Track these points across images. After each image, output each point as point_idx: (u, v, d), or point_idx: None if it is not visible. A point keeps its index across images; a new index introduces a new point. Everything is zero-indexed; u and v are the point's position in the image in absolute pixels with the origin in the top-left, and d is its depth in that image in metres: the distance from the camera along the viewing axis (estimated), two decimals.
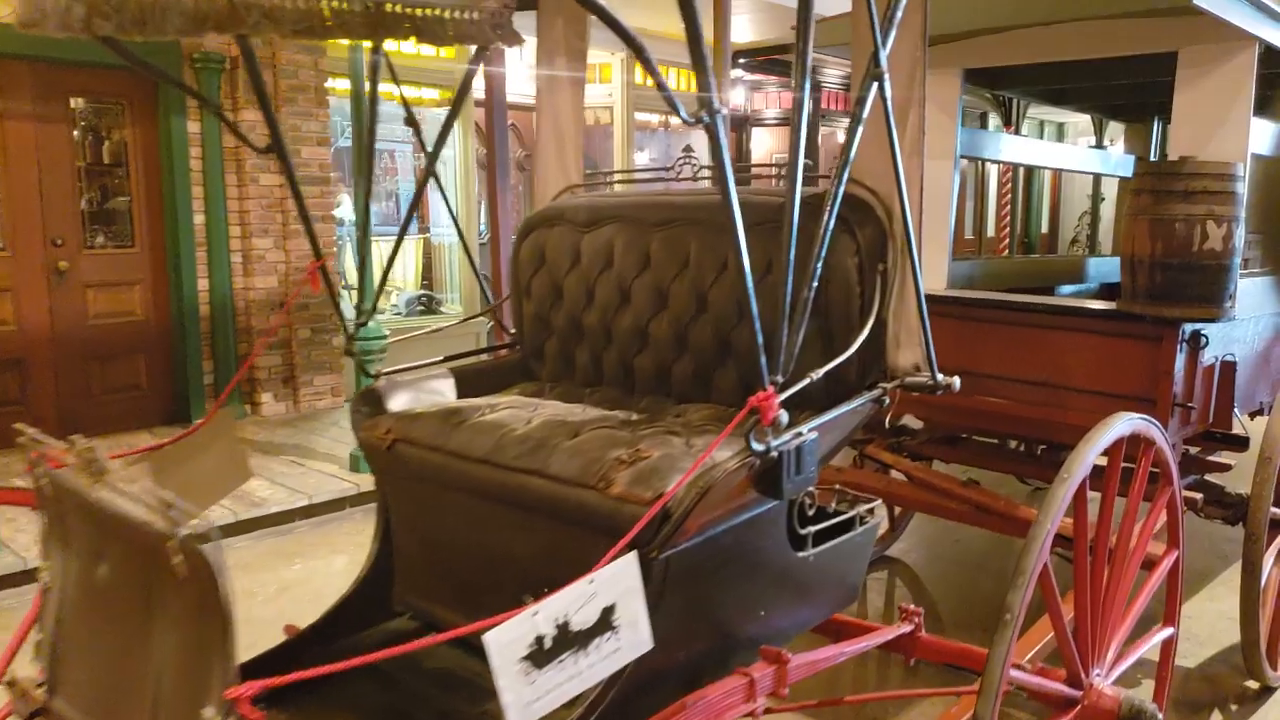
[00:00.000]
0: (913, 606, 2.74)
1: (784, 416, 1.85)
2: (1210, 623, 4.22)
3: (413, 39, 2.82)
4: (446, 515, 2.35)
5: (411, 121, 2.75)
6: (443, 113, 9.61)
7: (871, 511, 2.60)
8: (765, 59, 11.46)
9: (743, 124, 12.38)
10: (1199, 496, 3.84)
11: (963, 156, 4.59)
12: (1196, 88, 3.57)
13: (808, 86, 1.81)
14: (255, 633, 2.16)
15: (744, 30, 10.38)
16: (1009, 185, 11.47)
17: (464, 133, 9.11)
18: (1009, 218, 10.56)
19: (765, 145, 12.54)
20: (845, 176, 1.99)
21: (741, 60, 11.11)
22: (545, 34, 2.91)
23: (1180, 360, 3.50)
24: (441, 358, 2.83)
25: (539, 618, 1.60)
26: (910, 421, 4.65)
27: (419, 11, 2.76)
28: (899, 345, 2.32)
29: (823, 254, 1.95)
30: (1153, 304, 3.44)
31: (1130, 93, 5.30)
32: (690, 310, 2.55)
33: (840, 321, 2.28)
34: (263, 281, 7.28)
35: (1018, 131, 6.14)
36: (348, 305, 6.87)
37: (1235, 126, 3.49)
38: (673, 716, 1.98)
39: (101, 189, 6.86)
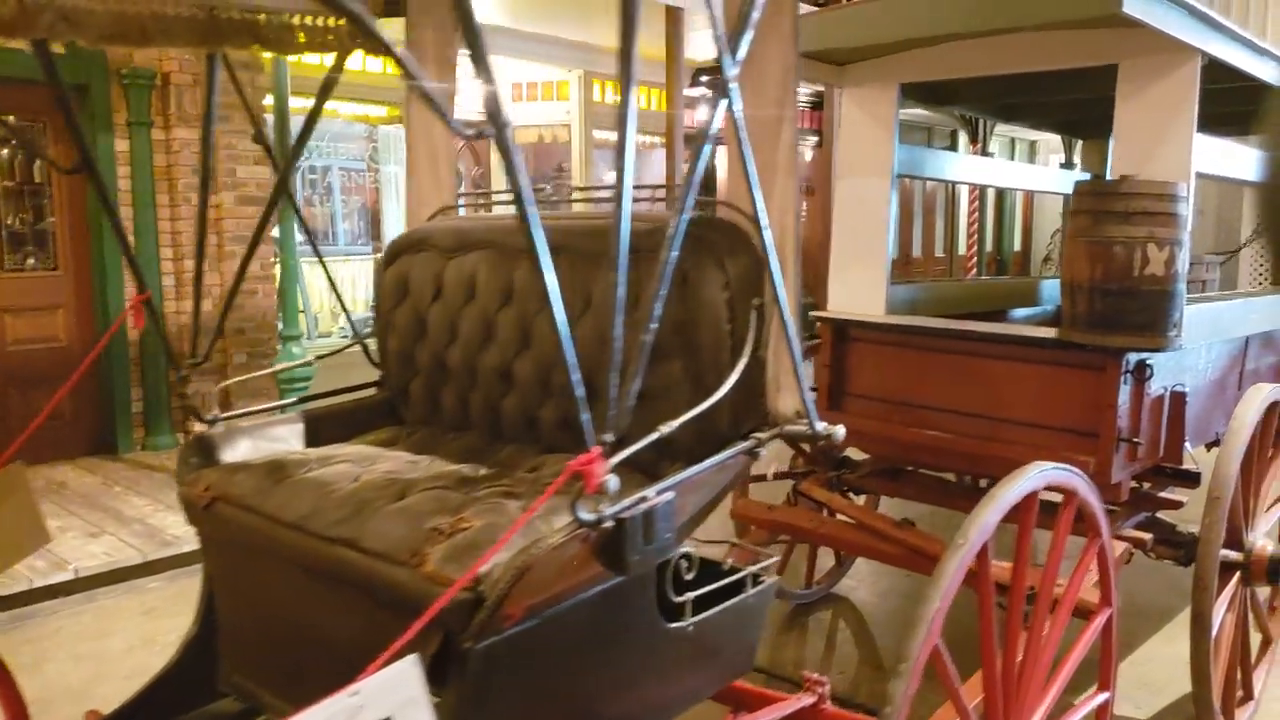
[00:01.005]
0: (816, 676, 2.47)
1: (612, 482, 1.58)
2: (1168, 668, 3.97)
3: (255, 47, 2.57)
4: (269, 585, 2.07)
5: (260, 140, 2.50)
6: (394, 129, 9.37)
7: (769, 570, 2.34)
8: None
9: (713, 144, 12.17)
10: (1149, 536, 3.59)
11: (902, 175, 4.35)
12: (1137, 102, 3.33)
13: (633, 93, 1.55)
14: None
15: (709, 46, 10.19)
16: (976, 204, 11.28)
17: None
18: (977, 236, 10.35)
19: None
20: (689, 202, 1.73)
21: (704, 78, 10.95)
22: (414, 43, 2.65)
23: (1125, 392, 3.26)
24: (294, 399, 2.56)
25: None
26: (855, 453, 4.41)
27: (262, 18, 2.51)
28: (779, 388, 2.06)
29: (661, 293, 1.69)
30: (1093, 332, 3.20)
31: (1079, 109, 5.08)
32: (552, 350, 2.29)
33: (709, 364, 2.02)
34: None
35: (984, 150, 5.92)
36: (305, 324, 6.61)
37: (1178, 144, 3.26)
38: None
39: (25, 209, 6.59)
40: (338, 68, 2.61)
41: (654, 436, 1.75)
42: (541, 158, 10.68)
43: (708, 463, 1.91)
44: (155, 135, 6.77)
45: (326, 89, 2.57)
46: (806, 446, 4.45)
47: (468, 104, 2.49)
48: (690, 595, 2.10)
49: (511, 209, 2.61)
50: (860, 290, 4.16)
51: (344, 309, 2.79)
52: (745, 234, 2.06)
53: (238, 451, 2.33)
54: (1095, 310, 3.18)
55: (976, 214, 10.97)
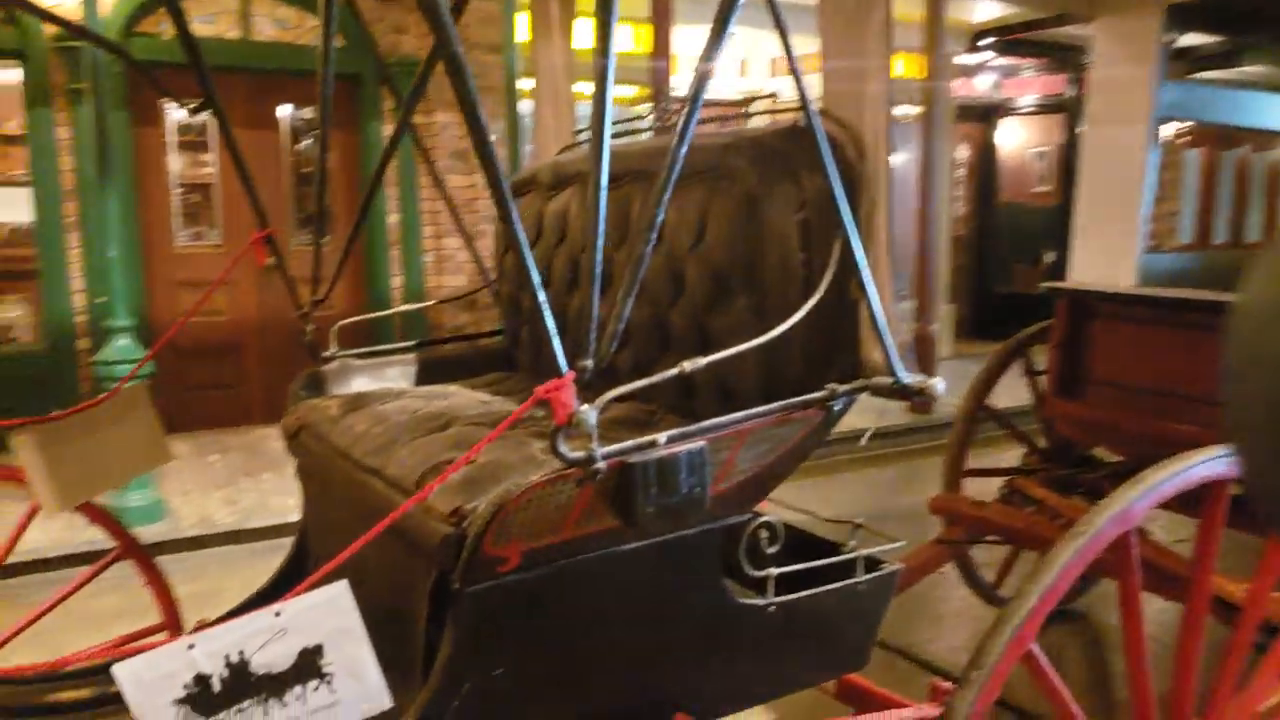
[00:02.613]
0: (948, 685, 2.07)
1: (588, 414, 1.36)
2: None
3: None
4: (330, 511, 2.06)
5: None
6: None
7: (892, 556, 2.01)
8: (1014, 39, 10.25)
9: (989, 114, 11.19)
10: None
11: (1170, 119, 3.64)
12: None
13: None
14: None
15: (991, 8, 9.35)
16: None
17: None
18: None
19: (1018, 137, 11.22)
20: (706, 92, 1.45)
21: (984, 41, 10.02)
22: None
23: None
24: (413, 343, 2.55)
25: (196, 652, 1.25)
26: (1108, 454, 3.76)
27: None
28: (869, 337, 1.72)
29: (664, 199, 1.44)
30: None
31: None
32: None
33: (777, 302, 1.72)
34: (453, 280, 7.46)
35: None
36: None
37: None
38: None
39: (307, 190, 7.35)
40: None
41: (660, 376, 1.50)
42: None
43: (746, 413, 1.62)
44: (416, 120, 7.28)
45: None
46: (1040, 443, 3.88)
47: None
48: (773, 571, 1.82)
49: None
50: (1108, 258, 3.54)
51: (474, 256, 2.76)
52: (833, 144, 1.73)
53: (346, 387, 2.35)
54: None
55: None
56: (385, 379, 2.42)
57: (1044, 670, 1.58)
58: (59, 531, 4.55)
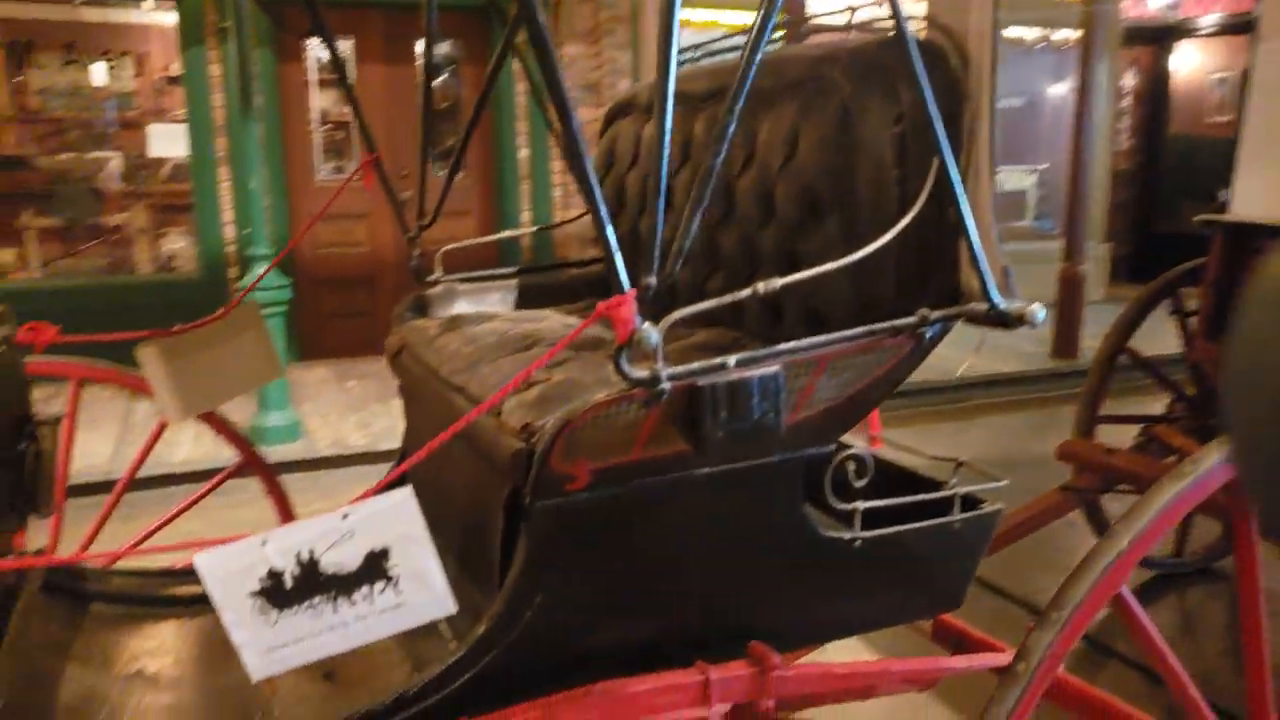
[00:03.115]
0: None
1: (648, 333, 1.32)
2: None
3: None
4: (424, 430, 2.10)
5: None
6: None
7: (993, 496, 1.91)
8: None
9: (1164, 36, 10.28)
10: None
11: None
12: None
13: None
14: None
15: None
16: None
17: None
18: None
19: (1196, 62, 10.27)
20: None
21: None
22: None
23: None
24: (514, 269, 2.56)
25: (269, 548, 1.30)
26: None
27: None
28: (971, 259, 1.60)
29: (735, 109, 1.36)
30: None
31: None
32: (718, 213, 2.02)
33: (869, 221, 1.62)
34: (580, 212, 7.52)
35: None
36: None
37: None
38: (571, 703, 1.57)
39: (443, 125, 7.49)
40: None
41: (731, 297, 1.44)
42: None
43: (825, 338, 1.54)
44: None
45: None
46: (1189, 391, 3.60)
47: None
48: (860, 505, 1.76)
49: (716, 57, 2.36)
50: (1275, 189, 3.21)
51: (580, 183, 2.72)
52: (936, 53, 1.61)
53: (448, 310, 2.39)
54: None
55: None
56: (486, 303, 2.44)
57: (1136, 615, 1.47)
58: (208, 447, 4.90)
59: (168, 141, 6.90)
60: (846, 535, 1.75)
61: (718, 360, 1.44)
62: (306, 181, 7.11)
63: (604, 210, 1.33)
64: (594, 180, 1.34)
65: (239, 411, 5.75)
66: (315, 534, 1.31)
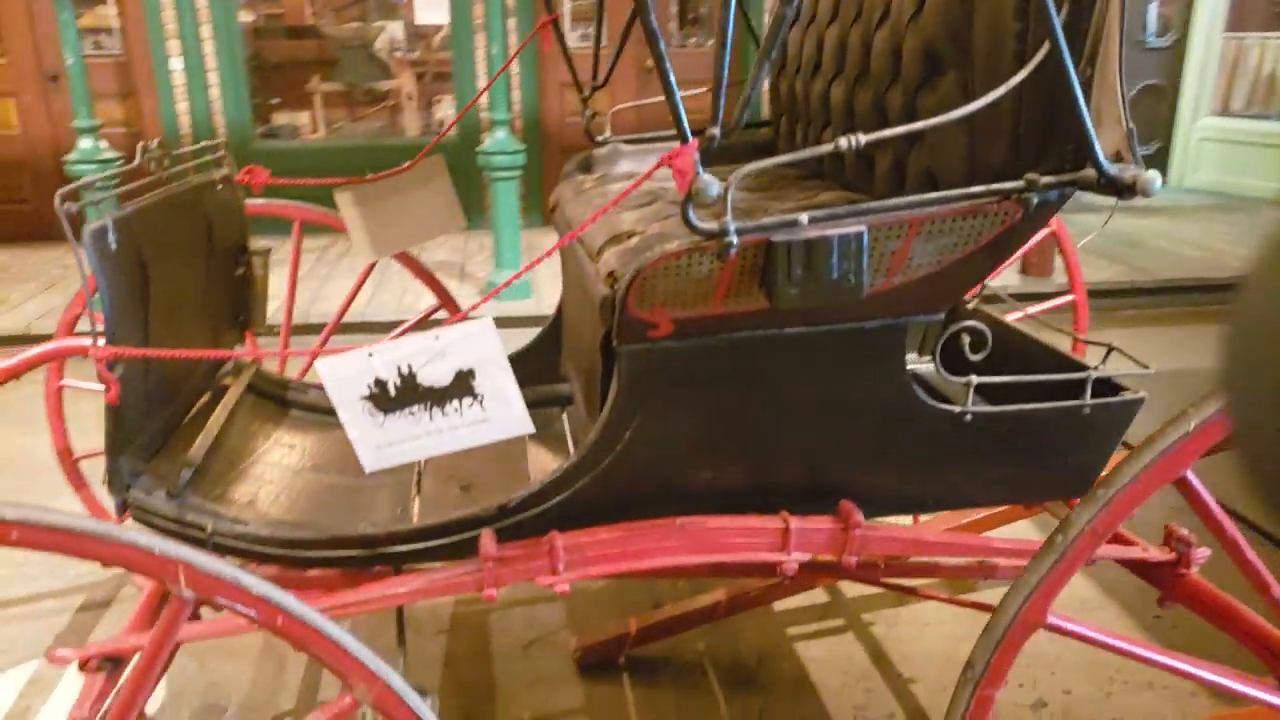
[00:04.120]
0: (1185, 533, 1.85)
1: (708, 184, 1.35)
2: None
3: None
4: (572, 285, 2.24)
5: None
6: None
7: (1133, 383, 1.80)
8: None
9: None
10: None
11: None
12: None
13: None
14: None
15: None
16: None
17: None
18: None
19: None
20: None
21: None
22: None
23: None
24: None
25: (375, 360, 1.51)
26: None
27: None
28: (1100, 123, 1.46)
29: None
30: None
31: None
32: (857, 68, 1.93)
33: (985, 77, 1.51)
34: None
35: None
36: None
37: None
38: (653, 529, 1.70)
39: None
40: None
41: (809, 152, 1.42)
42: None
43: (913, 198, 1.48)
44: None
45: None
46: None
47: None
48: (973, 380, 1.73)
49: None
50: None
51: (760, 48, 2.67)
52: None
53: (612, 169, 2.49)
54: None
55: None
56: (647, 164, 2.52)
57: (1201, 498, 1.34)
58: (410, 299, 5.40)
59: (433, 9, 7.35)
60: (956, 409, 1.73)
61: (790, 216, 1.45)
62: (554, 48, 7.37)
63: (667, 61, 1.36)
64: (655, 26, 1.36)
65: (482, 268, 6.27)
66: (413, 350, 1.50)
